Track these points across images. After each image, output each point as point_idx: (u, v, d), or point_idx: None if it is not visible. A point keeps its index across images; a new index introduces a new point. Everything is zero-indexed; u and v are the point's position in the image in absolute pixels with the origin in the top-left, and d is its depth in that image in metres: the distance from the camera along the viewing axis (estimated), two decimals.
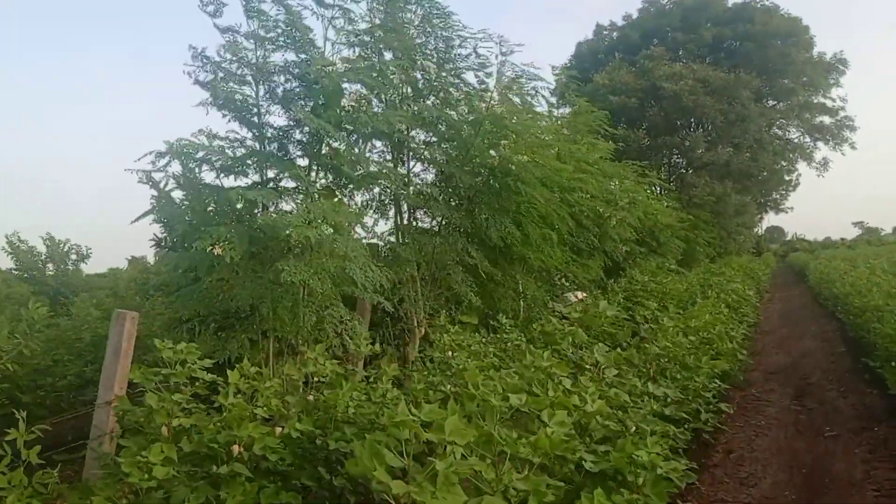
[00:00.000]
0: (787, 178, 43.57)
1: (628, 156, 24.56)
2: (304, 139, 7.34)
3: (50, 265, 21.17)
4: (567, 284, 13.37)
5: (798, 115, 39.20)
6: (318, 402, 4.97)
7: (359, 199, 9.35)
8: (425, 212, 9.95)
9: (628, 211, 17.03)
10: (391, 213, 9.58)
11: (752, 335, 14.87)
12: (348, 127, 7.26)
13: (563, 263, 12.57)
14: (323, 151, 7.22)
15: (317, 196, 6.85)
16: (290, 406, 4.92)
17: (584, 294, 13.29)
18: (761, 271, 32.61)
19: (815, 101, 39.55)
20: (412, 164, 9.71)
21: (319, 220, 6.31)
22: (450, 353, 7.26)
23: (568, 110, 18.40)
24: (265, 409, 4.61)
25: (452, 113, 9.39)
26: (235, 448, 4.01)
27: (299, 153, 7.40)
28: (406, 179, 9.60)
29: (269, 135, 7.25)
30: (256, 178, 7.18)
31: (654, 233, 18.74)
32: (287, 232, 6.03)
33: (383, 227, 9.77)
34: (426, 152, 9.52)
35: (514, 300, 11.82)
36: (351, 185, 7.57)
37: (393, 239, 9.62)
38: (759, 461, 6.87)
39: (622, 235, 16.28)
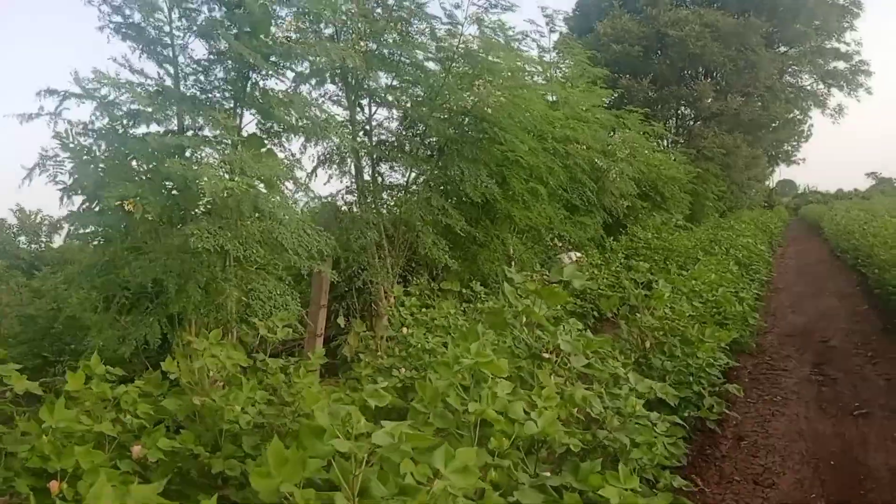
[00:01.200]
0: (798, 128, 42.00)
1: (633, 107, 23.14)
2: (227, 76, 6.13)
3: (22, 238, 20.17)
4: (560, 244, 12.18)
5: (811, 61, 37.40)
6: (203, 409, 3.84)
7: (312, 150, 8.23)
8: (391, 166, 8.78)
9: (629, 163, 15.79)
10: (350, 167, 8.38)
11: (765, 293, 13.68)
12: (279, 61, 6.05)
13: (557, 221, 11.40)
14: (250, 90, 6.03)
15: (239, 145, 5.64)
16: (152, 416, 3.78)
17: (581, 254, 12.12)
18: (774, 225, 31.29)
19: (829, 45, 37.71)
20: (374, 109, 8.47)
21: (237, 172, 5.15)
22: (405, 329, 6.13)
23: (566, 63, 16.96)
24: (118, 420, 3.49)
25: (416, 51, 8.13)
26: (54, 485, 2.89)
27: (224, 94, 6.19)
28: (367, 127, 8.41)
29: (186, 71, 6.04)
30: (174, 125, 6.00)
31: (658, 186, 17.47)
32: (199, 184, 4.89)
33: (339, 184, 8.58)
34: (389, 96, 8.28)
35: (501, 263, 10.68)
36: (286, 133, 6.32)
37: (351, 198, 8.41)
38: (777, 451, 5.72)
39: (623, 190, 15.05)
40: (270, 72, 6.06)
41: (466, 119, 8.62)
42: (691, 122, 34.83)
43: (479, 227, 10.19)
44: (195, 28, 5.83)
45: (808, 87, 38.88)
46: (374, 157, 8.34)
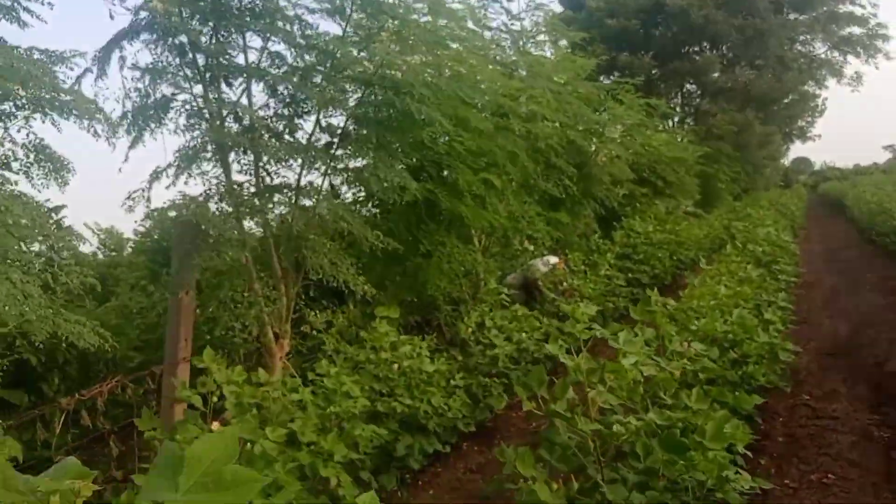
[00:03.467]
0: (812, 102, 39.22)
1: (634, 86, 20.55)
2: None
3: None
4: (532, 249, 9.84)
5: (823, 28, 34.62)
6: None
7: (165, 142, 5.91)
8: (278, 161, 6.38)
9: (623, 144, 13.43)
10: (212, 163, 6.00)
11: (792, 290, 11.17)
12: None
13: (524, 220, 9.07)
14: None
15: None
16: None
17: (560, 258, 9.74)
18: (794, 206, 28.59)
19: (842, 9, 34.94)
20: (249, 85, 6.09)
21: None
22: (215, 424, 3.79)
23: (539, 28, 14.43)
24: None
25: None
26: None
27: None
28: (244, 111, 6.07)
29: None
30: None
31: (658, 170, 15.04)
32: None
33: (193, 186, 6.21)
34: (259, 61, 5.93)
35: (455, 279, 8.36)
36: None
37: (211, 207, 6.02)
38: None
39: (616, 175, 12.69)
40: None
41: (371, 89, 6.25)
42: (698, 99, 32.28)
43: (421, 232, 7.93)
44: None
45: (823, 56, 36.15)
46: (244, 149, 5.96)
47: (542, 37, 13.77)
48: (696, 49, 31.95)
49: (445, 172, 7.88)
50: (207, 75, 5.79)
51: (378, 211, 8.75)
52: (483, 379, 6.55)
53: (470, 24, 8.96)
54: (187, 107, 5.71)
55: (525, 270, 9.30)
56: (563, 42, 14.14)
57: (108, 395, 5.59)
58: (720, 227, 18.46)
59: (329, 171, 6.33)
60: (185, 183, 5.94)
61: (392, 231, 8.04)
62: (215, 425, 3.66)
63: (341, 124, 6.46)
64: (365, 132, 6.30)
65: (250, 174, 6.24)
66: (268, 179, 6.40)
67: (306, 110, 6.21)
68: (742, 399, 3.91)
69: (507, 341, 7.17)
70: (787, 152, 56.60)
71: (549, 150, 9.70)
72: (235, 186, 5.99)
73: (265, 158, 6.11)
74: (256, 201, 5.99)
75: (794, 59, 33.17)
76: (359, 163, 6.57)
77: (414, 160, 8.09)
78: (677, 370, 3.85)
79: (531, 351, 7.37)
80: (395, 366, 5.34)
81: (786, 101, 35.35)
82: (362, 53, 5.99)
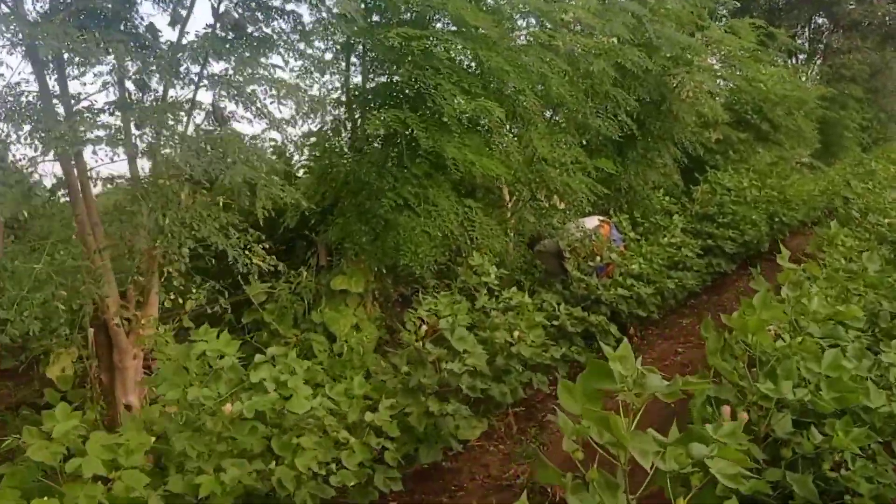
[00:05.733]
0: None
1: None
2: None
3: None
4: (562, 204, 7.47)
5: None
6: None
7: None
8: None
9: (720, 76, 10.79)
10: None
11: None
12: None
13: (553, 167, 6.76)
14: None
15: None
16: None
17: (603, 220, 7.34)
18: None
19: None
20: None
21: None
22: None
23: None
24: None
25: None
26: None
27: None
28: None
29: None
30: None
31: (763, 110, 12.15)
32: None
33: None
34: None
35: (445, 242, 6.20)
36: None
37: None
38: None
39: (707, 116, 10.11)
40: None
41: None
42: (827, 34, 28.31)
43: (396, 179, 5.82)
44: None
45: None
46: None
47: None
48: None
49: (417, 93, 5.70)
50: None
51: (351, 148, 6.59)
52: (438, 405, 4.35)
53: None
54: None
55: (554, 232, 6.98)
56: None
57: None
58: (841, 182, 15.35)
59: (201, 83, 4.13)
60: None
61: (361, 175, 5.97)
62: None
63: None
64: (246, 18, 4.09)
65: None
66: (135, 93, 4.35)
67: None
68: None
69: (483, 345, 4.89)
70: None
71: (602, 75, 7.29)
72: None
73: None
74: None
75: None
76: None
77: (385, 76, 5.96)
78: None
79: (526, 357, 5.10)
80: (227, 406, 3.22)
81: None
82: None
